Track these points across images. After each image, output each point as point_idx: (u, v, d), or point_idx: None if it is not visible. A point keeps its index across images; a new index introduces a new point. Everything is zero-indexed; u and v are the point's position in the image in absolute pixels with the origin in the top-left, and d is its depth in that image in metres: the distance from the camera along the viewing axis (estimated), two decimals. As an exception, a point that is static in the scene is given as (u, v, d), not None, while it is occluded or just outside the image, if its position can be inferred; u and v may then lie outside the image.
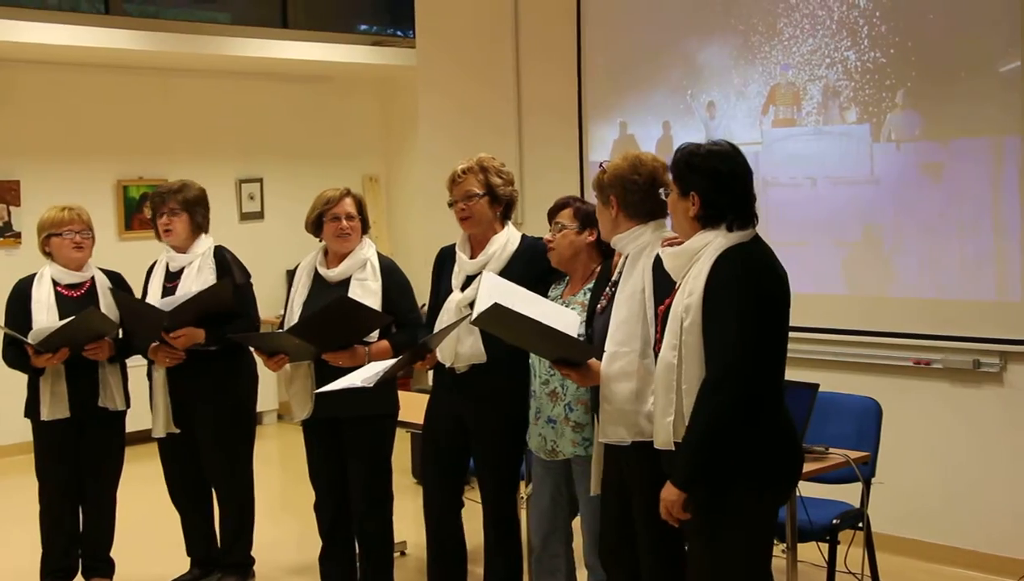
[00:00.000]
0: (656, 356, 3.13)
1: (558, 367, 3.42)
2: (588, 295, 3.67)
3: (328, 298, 4.19)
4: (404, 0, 7.72)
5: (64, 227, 4.65)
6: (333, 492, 4.42)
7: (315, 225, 4.36)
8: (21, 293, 4.66)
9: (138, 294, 4.79)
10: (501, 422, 3.96)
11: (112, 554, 4.85)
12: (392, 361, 3.86)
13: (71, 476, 4.71)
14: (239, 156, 8.93)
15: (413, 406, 4.57)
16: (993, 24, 4.79)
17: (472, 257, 4.02)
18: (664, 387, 3.01)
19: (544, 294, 3.76)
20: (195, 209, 4.68)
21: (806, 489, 3.97)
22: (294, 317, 4.31)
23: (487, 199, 4.00)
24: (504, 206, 4.05)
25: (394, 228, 9.68)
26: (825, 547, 4.21)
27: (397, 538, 4.62)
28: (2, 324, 4.67)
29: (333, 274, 4.33)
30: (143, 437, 4.77)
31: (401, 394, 4.53)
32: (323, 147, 9.24)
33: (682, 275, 3.04)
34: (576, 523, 3.93)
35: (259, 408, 5.43)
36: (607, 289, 3.49)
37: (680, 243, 3.10)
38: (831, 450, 4.03)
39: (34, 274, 4.71)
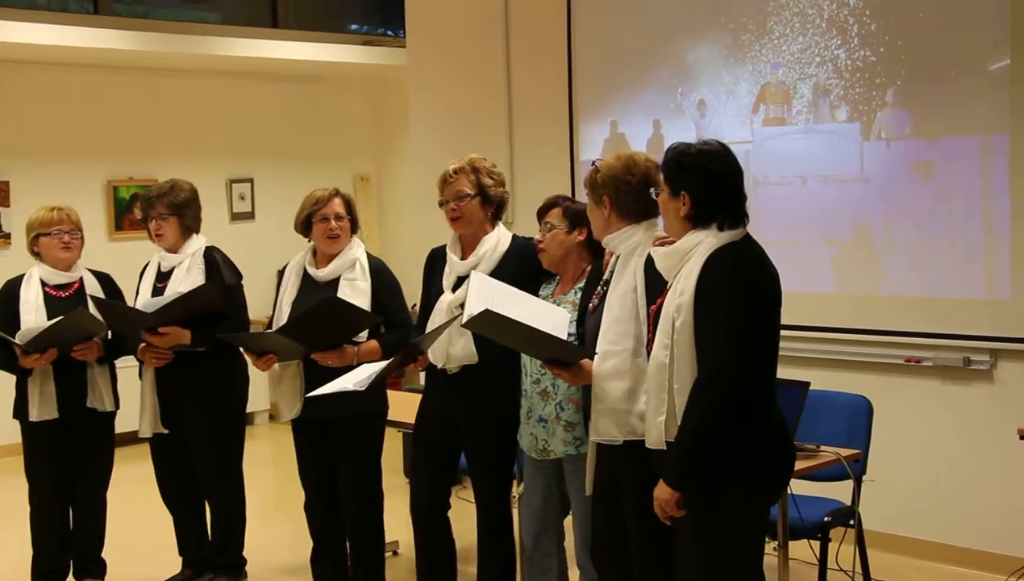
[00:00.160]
0: (648, 355, 3.14)
1: (550, 367, 3.42)
2: (579, 294, 3.67)
3: (317, 298, 4.18)
4: (394, 0, 7.71)
5: (53, 227, 4.64)
6: (323, 492, 4.42)
7: (304, 225, 4.35)
8: (9, 294, 4.65)
9: (131, 294, 4.77)
10: (493, 422, 3.96)
11: (104, 555, 4.84)
12: (384, 363, 3.86)
13: (61, 477, 4.69)
14: (229, 156, 8.92)
15: (404, 406, 4.57)
16: (983, 23, 4.80)
17: (463, 258, 4.02)
18: (656, 386, 3.01)
19: (535, 294, 3.76)
20: (184, 212, 4.67)
21: (797, 487, 3.98)
22: (283, 317, 4.30)
23: (478, 199, 3.99)
24: (495, 207, 4.05)
25: (385, 228, 9.68)
26: (817, 545, 4.22)
27: (389, 538, 4.62)
28: None
29: (322, 274, 4.32)
30: (135, 438, 4.76)
31: (392, 394, 4.53)
32: (314, 147, 9.23)
33: (673, 274, 3.04)
34: (568, 522, 3.93)
35: (251, 409, 5.42)
36: (598, 288, 3.49)
37: (671, 243, 3.11)
38: (822, 448, 4.04)
39: (23, 275, 4.69)
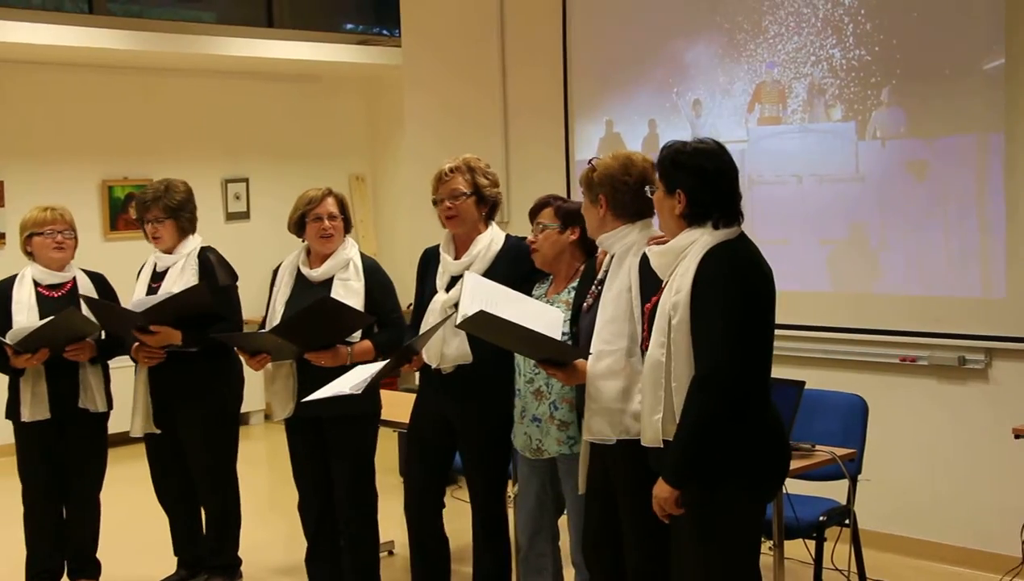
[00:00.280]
0: (643, 355, 3.14)
1: (544, 366, 3.42)
2: (572, 294, 3.67)
3: (311, 298, 4.17)
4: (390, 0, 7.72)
5: (46, 227, 4.63)
6: (317, 492, 4.41)
7: (298, 225, 4.35)
8: (2, 294, 4.63)
9: (127, 294, 4.76)
10: (488, 422, 3.96)
11: (99, 555, 4.83)
12: (379, 365, 3.85)
13: (53, 477, 4.68)
14: (225, 156, 8.91)
15: (399, 405, 4.57)
16: (977, 22, 4.80)
17: (456, 258, 4.02)
18: (652, 385, 3.01)
19: (528, 294, 3.75)
20: (180, 214, 4.67)
21: (793, 486, 3.98)
22: (276, 317, 4.29)
23: (474, 199, 4.00)
24: (489, 207, 4.05)
25: (380, 228, 9.67)
26: (812, 544, 4.22)
27: (384, 538, 4.61)
28: None
29: (316, 274, 4.32)
30: (130, 438, 4.75)
31: (388, 394, 4.53)
32: (309, 147, 9.22)
33: (669, 273, 3.04)
34: (563, 522, 3.93)
35: (246, 409, 5.42)
36: (592, 288, 3.49)
37: (666, 242, 3.11)
38: (817, 447, 4.03)
39: (15, 275, 4.69)
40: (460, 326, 3.39)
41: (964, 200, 4.90)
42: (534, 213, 3.84)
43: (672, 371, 2.95)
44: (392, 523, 4.87)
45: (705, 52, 5.71)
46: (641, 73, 5.95)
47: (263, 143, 9.05)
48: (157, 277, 4.69)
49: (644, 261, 3.24)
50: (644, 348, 3.12)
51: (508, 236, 4.07)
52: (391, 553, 5.36)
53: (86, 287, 4.67)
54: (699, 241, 2.98)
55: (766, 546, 3.92)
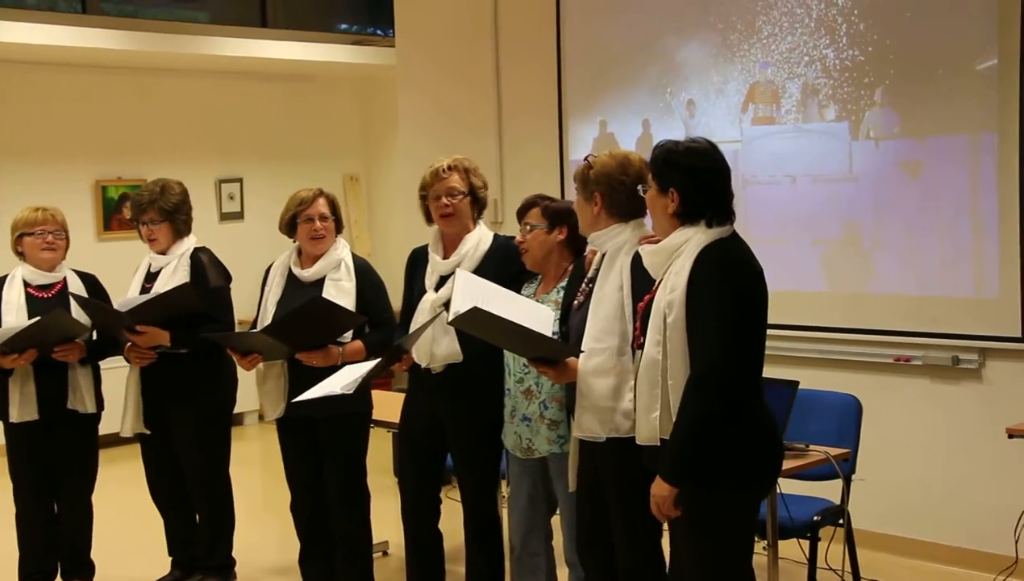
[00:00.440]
0: (634, 353, 3.16)
1: (535, 365, 3.42)
2: (561, 293, 3.68)
3: (302, 298, 4.18)
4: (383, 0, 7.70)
5: (36, 227, 4.62)
6: (309, 492, 4.41)
7: (289, 226, 4.36)
8: None
9: (122, 294, 4.75)
10: (478, 421, 3.97)
11: (92, 556, 4.82)
12: (369, 365, 3.85)
13: (43, 478, 4.67)
14: (219, 156, 8.90)
15: (394, 406, 4.56)
16: (970, 22, 4.81)
17: (445, 257, 4.03)
18: (648, 383, 3.02)
19: (518, 293, 3.76)
20: (175, 216, 4.66)
21: (787, 486, 3.99)
22: (268, 317, 4.30)
23: (469, 199, 4.04)
24: (479, 209, 4.09)
25: (375, 227, 9.67)
26: (806, 544, 4.22)
27: (379, 538, 4.61)
28: None
29: (307, 274, 4.32)
30: (124, 439, 4.74)
31: (382, 394, 4.53)
32: (303, 147, 9.21)
33: (662, 272, 3.05)
34: (556, 521, 3.93)
35: (240, 409, 5.40)
36: (582, 286, 3.50)
37: (658, 241, 3.11)
38: (812, 447, 4.04)
39: (6, 275, 4.68)
40: (452, 323, 3.40)
41: (957, 200, 4.91)
42: (521, 213, 3.85)
43: (668, 369, 2.96)
44: (386, 523, 4.87)
45: (699, 52, 5.71)
46: (635, 73, 5.96)
47: (257, 143, 9.04)
48: (151, 277, 4.69)
49: (636, 260, 3.25)
50: (637, 346, 3.13)
51: (496, 235, 4.09)
52: (386, 553, 5.35)
53: (77, 288, 4.66)
54: (693, 240, 2.99)
55: (760, 546, 3.93)
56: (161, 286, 4.57)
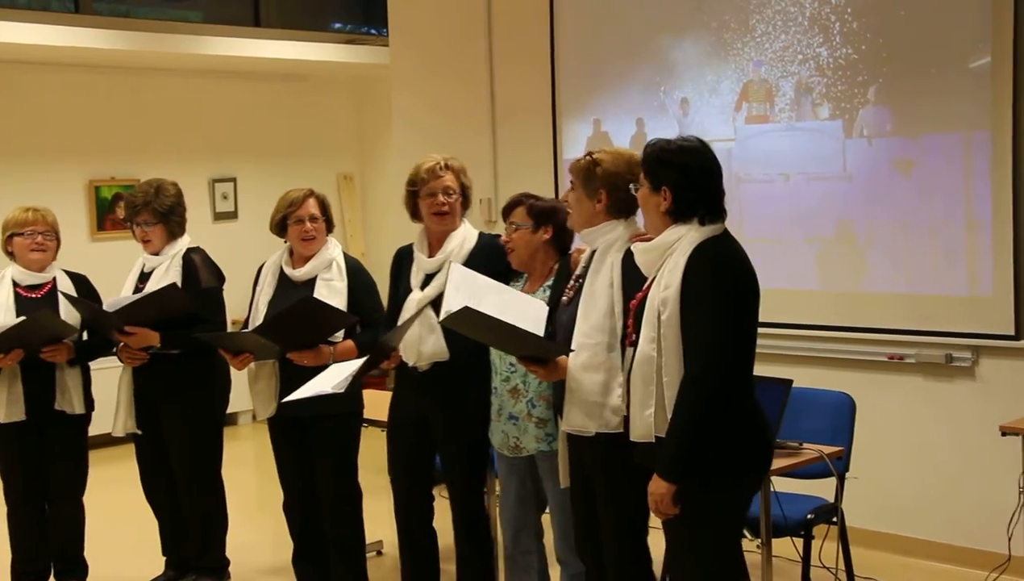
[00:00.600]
0: (624, 350, 3.18)
1: (524, 363, 3.42)
2: (548, 292, 3.68)
3: (294, 298, 4.17)
4: (377, -2, 7.69)
5: (27, 227, 4.61)
6: (302, 492, 4.41)
7: (279, 227, 4.36)
8: None
9: (114, 295, 4.73)
10: (465, 419, 3.98)
11: (86, 556, 4.81)
12: (357, 364, 3.84)
13: (33, 478, 4.66)
14: (212, 156, 8.88)
15: (387, 405, 4.56)
16: (963, 20, 4.81)
17: (430, 256, 4.03)
18: (643, 380, 3.03)
19: None
20: (170, 218, 4.65)
21: (780, 484, 3.99)
22: (259, 316, 4.29)
23: (460, 199, 4.05)
24: (465, 209, 4.12)
25: (368, 227, 9.66)
26: (800, 542, 4.22)
27: (373, 537, 4.60)
28: None
29: (299, 274, 4.32)
30: (118, 439, 4.73)
31: (376, 393, 4.53)
32: (297, 146, 9.20)
33: (655, 269, 3.07)
34: (547, 518, 3.93)
35: (234, 409, 5.41)
36: (571, 282, 3.50)
37: (649, 239, 3.13)
38: (805, 445, 4.04)
39: None
40: (443, 322, 3.40)
41: (951, 198, 4.91)
42: (506, 212, 3.85)
43: (663, 366, 2.98)
44: (381, 523, 4.87)
45: (692, 51, 5.71)
46: (629, 72, 5.95)
47: (251, 143, 9.03)
48: (144, 278, 4.68)
49: (627, 257, 3.26)
50: (629, 344, 3.15)
51: (481, 234, 4.09)
52: (380, 553, 5.35)
53: (67, 288, 4.64)
54: (686, 237, 3.01)
55: (754, 544, 3.94)
56: (153, 286, 4.55)
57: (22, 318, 4.42)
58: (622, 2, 5.99)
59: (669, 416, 2.97)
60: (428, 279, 3.99)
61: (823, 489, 4.28)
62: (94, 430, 4.79)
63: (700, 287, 2.94)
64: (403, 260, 4.17)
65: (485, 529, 4.17)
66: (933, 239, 4.97)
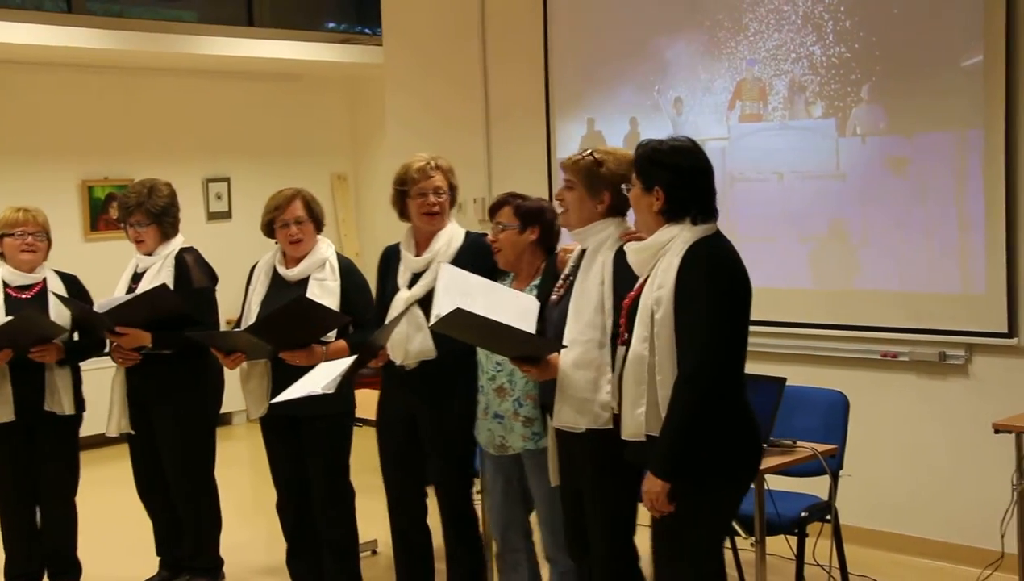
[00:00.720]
0: (615, 349, 3.19)
1: (517, 364, 3.42)
2: (534, 291, 3.68)
3: (286, 297, 4.18)
4: (371, -3, 7.68)
5: (17, 228, 4.60)
6: (294, 491, 4.41)
7: (267, 229, 4.36)
8: None
9: (107, 295, 4.73)
10: (452, 418, 3.98)
11: (80, 557, 4.80)
12: (346, 363, 3.84)
13: (24, 480, 4.64)
14: (206, 156, 8.87)
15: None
16: (956, 18, 4.82)
17: (417, 254, 4.03)
18: (635, 379, 3.04)
19: None
20: (163, 218, 4.65)
21: (774, 483, 3.99)
22: (251, 316, 4.29)
23: (449, 199, 4.06)
24: (451, 208, 4.13)
25: (362, 226, 9.65)
26: (794, 540, 4.22)
27: (367, 537, 4.60)
28: None
29: (292, 274, 4.32)
30: (111, 439, 4.73)
31: (370, 392, 4.52)
32: (291, 146, 9.19)
33: (647, 269, 3.08)
34: (535, 516, 3.93)
35: (229, 409, 5.40)
36: (560, 281, 3.50)
37: (640, 238, 3.14)
38: (799, 443, 4.04)
39: None
40: (433, 327, 3.39)
41: (944, 196, 4.92)
42: (493, 211, 3.85)
43: (656, 365, 2.99)
44: (375, 522, 4.87)
45: (686, 50, 5.71)
46: (622, 71, 5.96)
47: (244, 143, 9.02)
48: (137, 278, 4.68)
49: (619, 256, 3.28)
50: (621, 343, 3.16)
51: (468, 233, 4.10)
52: (374, 552, 5.35)
53: (57, 288, 4.63)
54: (679, 237, 3.03)
55: (748, 542, 3.95)
56: (146, 287, 4.55)
57: (9, 318, 4.41)
58: (616, 2, 5.99)
59: (662, 415, 2.98)
60: (415, 278, 4.00)
61: (817, 487, 4.29)
62: (88, 431, 4.78)
63: (694, 287, 2.95)
64: (390, 259, 4.17)
65: (474, 528, 4.18)
66: (926, 237, 4.98)
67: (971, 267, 4.86)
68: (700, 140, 3.21)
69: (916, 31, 4.94)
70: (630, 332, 3.08)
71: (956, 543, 4.95)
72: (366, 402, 4.49)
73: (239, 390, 4.39)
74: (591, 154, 3.42)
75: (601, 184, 3.38)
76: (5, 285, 4.61)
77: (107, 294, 4.66)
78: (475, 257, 3.93)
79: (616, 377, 3.17)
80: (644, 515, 3.49)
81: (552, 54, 6.25)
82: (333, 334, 4.19)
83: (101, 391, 4.71)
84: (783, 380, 4.00)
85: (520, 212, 3.76)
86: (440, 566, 4.31)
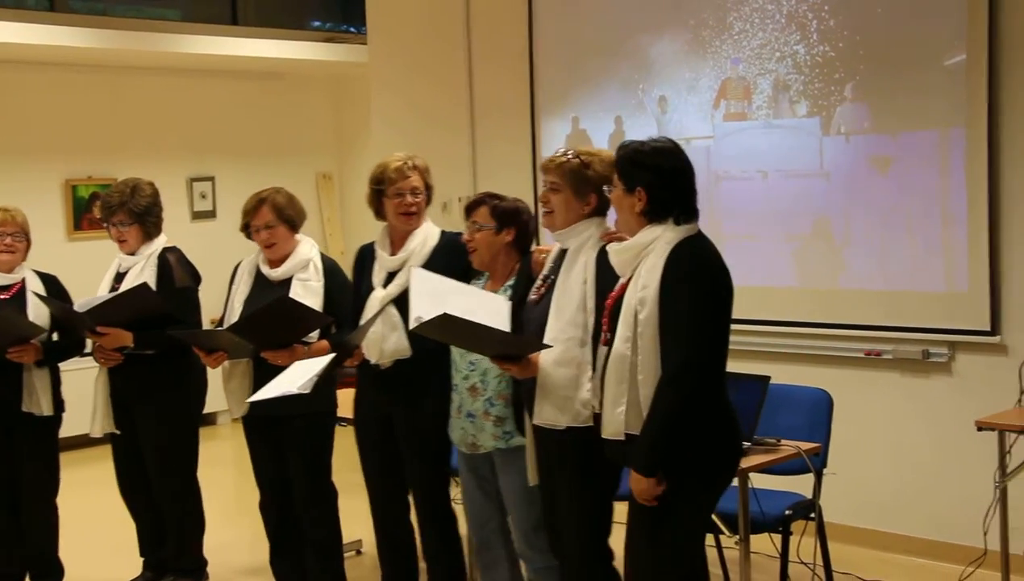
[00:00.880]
0: (596, 348, 3.21)
1: (498, 362, 3.43)
2: (509, 292, 3.68)
3: (269, 297, 4.17)
4: (355, -4, 7.67)
5: None
6: (277, 491, 4.40)
7: (245, 232, 4.35)
8: None
9: (90, 295, 4.70)
10: (427, 416, 3.99)
11: (63, 558, 4.77)
12: (323, 363, 3.84)
13: (2, 481, 4.61)
14: (190, 155, 8.84)
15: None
16: (939, 18, 4.84)
17: (392, 254, 4.03)
18: (616, 378, 3.05)
19: None
20: (145, 218, 4.63)
21: (758, 481, 4.00)
22: (234, 315, 4.28)
23: (425, 198, 4.07)
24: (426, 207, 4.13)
25: (347, 225, 9.63)
26: (778, 538, 4.23)
27: (352, 537, 4.59)
28: None
29: (275, 274, 4.31)
30: (93, 440, 4.71)
31: (350, 392, 4.50)
32: (276, 145, 9.17)
33: (630, 269, 3.10)
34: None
35: (213, 408, 5.38)
36: (538, 282, 3.50)
37: (621, 238, 3.15)
38: (783, 442, 4.05)
39: None
40: (416, 330, 3.39)
41: (927, 195, 4.94)
42: (469, 210, 3.84)
43: (639, 365, 3.00)
44: (360, 522, 4.86)
45: (670, 48, 5.72)
46: (607, 70, 5.96)
47: (229, 142, 8.99)
48: (120, 278, 4.66)
49: (601, 256, 3.29)
50: (603, 343, 3.17)
51: (443, 232, 4.10)
52: (359, 552, 5.34)
53: (36, 289, 4.60)
54: (662, 237, 3.04)
55: (732, 540, 3.96)
56: (127, 287, 4.53)
57: None
58: (601, 1, 5.99)
59: (643, 414, 2.99)
60: (390, 277, 4.01)
61: (801, 485, 4.30)
62: (71, 431, 4.76)
63: (679, 287, 2.97)
64: (365, 258, 4.17)
65: (452, 526, 4.18)
66: (910, 236, 4.99)
67: (954, 265, 4.88)
68: (685, 139, 3.23)
69: (899, 30, 4.95)
70: (613, 332, 3.09)
71: (939, 540, 4.97)
72: (347, 401, 4.48)
73: (224, 390, 4.38)
74: (577, 156, 3.41)
75: (588, 186, 3.38)
76: None
77: (91, 294, 4.64)
78: (450, 256, 3.93)
79: (598, 376, 3.18)
80: (619, 514, 3.51)
81: (537, 53, 6.25)
82: (316, 334, 4.19)
83: (83, 392, 4.68)
84: (767, 378, 4.01)
85: (497, 213, 3.76)
86: (424, 564, 4.31)
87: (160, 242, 4.70)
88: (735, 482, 3.69)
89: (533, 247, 3.74)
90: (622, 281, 3.13)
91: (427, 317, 3.28)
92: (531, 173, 6.22)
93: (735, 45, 5.48)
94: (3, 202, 4.72)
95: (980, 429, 4.22)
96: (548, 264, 3.50)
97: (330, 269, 4.35)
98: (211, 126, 8.91)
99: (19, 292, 4.60)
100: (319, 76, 9.41)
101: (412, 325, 3.39)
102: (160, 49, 8.02)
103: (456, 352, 3.80)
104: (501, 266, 3.78)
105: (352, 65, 8.63)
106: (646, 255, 3.04)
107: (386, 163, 4.08)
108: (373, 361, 3.99)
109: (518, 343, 3.39)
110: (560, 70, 6.17)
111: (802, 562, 4.40)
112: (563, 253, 3.44)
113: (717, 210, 5.46)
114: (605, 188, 3.27)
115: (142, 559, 4.88)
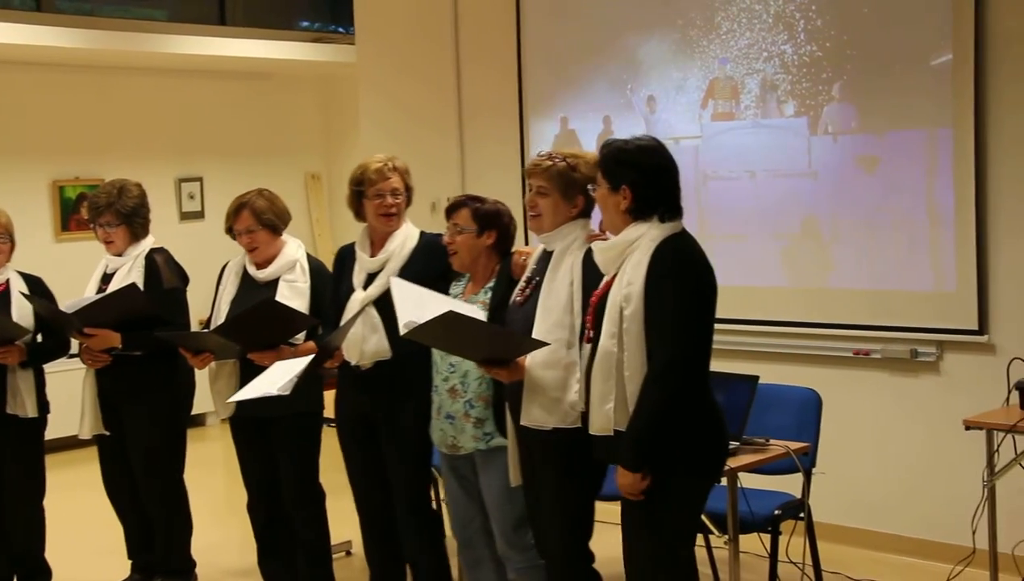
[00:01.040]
0: (581, 347, 3.23)
1: (485, 367, 3.42)
2: (489, 294, 3.69)
3: (256, 298, 4.17)
4: (343, -4, 7.66)
5: None
6: (264, 492, 4.39)
7: (231, 235, 4.36)
8: None
9: (77, 296, 4.68)
10: (408, 417, 3.99)
11: (51, 560, 4.76)
12: (303, 364, 3.83)
13: None
14: (178, 155, 8.82)
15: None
16: (925, 18, 4.85)
17: (372, 255, 4.03)
18: (603, 375, 3.07)
19: (445, 293, 3.78)
20: (132, 219, 4.62)
21: (747, 481, 4.00)
22: (221, 316, 4.28)
23: (406, 199, 4.07)
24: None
25: (336, 226, 9.61)
26: (767, 538, 4.23)
27: (342, 538, 4.58)
28: None
29: (262, 275, 4.31)
30: (81, 442, 4.69)
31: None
32: (264, 145, 9.15)
33: (616, 266, 3.11)
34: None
35: (202, 410, 5.36)
36: (522, 284, 3.51)
37: (607, 238, 3.17)
38: (772, 441, 4.05)
39: None
40: (409, 335, 3.38)
41: (914, 194, 4.95)
42: (450, 212, 3.83)
43: (625, 361, 3.02)
44: (349, 523, 4.85)
45: (658, 48, 5.72)
46: (595, 69, 5.96)
47: (217, 142, 8.97)
48: (107, 278, 4.64)
49: (587, 256, 3.30)
50: (586, 340, 3.19)
51: (423, 233, 4.09)
52: (348, 553, 5.33)
53: (21, 289, 4.58)
54: (647, 235, 3.06)
55: (721, 540, 3.96)
56: (115, 288, 4.51)
57: None
58: (589, 1, 5.99)
59: (630, 410, 3.01)
60: (370, 278, 4.00)
61: (790, 485, 4.30)
62: (58, 433, 4.73)
63: (664, 284, 2.98)
64: (345, 259, 4.17)
65: (435, 527, 4.18)
66: (897, 235, 5.00)
67: (942, 265, 4.89)
68: (673, 138, 3.24)
69: (886, 30, 4.96)
70: (597, 330, 3.10)
71: (928, 539, 4.98)
72: (333, 402, 4.47)
73: (210, 391, 4.37)
74: (563, 159, 3.42)
75: (575, 188, 3.39)
76: None
77: (78, 295, 4.62)
78: (430, 258, 3.94)
79: (584, 375, 3.19)
80: (604, 514, 3.52)
81: (525, 53, 6.25)
82: (302, 335, 4.18)
83: (70, 393, 4.66)
84: (756, 378, 4.01)
85: (478, 215, 3.75)
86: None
87: (147, 243, 4.68)
88: (724, 482, 3.69)
89: (513, 249, 3.74)
90: (607, 279, 3.15)
91: (420, 321, 3.27)
92: (519, 174, 6.19)
93: (723, 45, 5.48)
94: (-10, 204, 4.71)
95: (968, 428, 4.23)
96: (531, 266, 3.51)
97: (316, 270, 4.34)
98: (199, 126, 8.89)
99: (3, 293, 4.58)
100: (307, 76, 9.39)
101: (403, 331, 3.38)
102: (147, 49, 8.00)
103: (437, 354, 3.80)
104: (482, 268, 3.78)
105: (340, 65, 8.62)
106: (631, 252, 3.06)
107: (366, 164, 4.07)
108: (353, 362, 3.98)
109: (519, 342, 3.38)
110: (548, 70, 6.17)
111: (791, 562, 4.40)
112: (546, 254, 3.45)
113: (705, 210, 5.47)
114: (589, 187, 3.28)
115: (130, 561, 4.86)
